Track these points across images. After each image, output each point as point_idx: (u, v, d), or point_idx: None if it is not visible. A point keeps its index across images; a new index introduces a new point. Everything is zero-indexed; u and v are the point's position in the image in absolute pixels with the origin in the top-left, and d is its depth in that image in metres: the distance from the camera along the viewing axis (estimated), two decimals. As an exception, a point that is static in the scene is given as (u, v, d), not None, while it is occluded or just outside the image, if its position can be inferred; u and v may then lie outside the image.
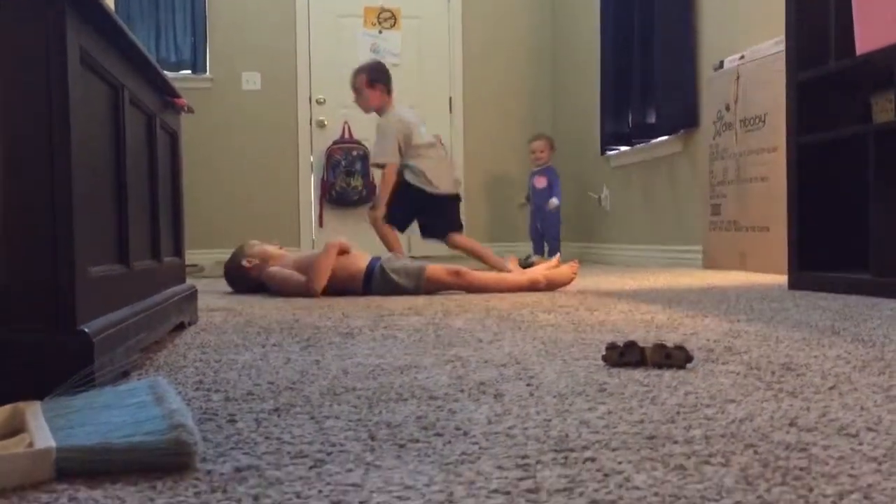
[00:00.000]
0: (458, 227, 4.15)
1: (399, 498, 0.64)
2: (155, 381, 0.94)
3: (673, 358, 1.21)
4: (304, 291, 2.82)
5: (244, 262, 3.03)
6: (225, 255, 3.30)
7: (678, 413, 0.91)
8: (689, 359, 1.21)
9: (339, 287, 2.86)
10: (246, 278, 3.04)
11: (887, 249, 2.36)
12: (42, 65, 1.01)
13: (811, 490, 0.64)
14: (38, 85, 1.01)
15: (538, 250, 5.35)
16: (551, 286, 2.88)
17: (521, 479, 0.68)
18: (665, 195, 4.78)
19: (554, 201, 5.25)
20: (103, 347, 1.06)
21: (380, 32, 6.09)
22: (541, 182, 5.36)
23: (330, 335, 1.70)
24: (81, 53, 1.10)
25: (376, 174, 4.60)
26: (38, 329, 1.01)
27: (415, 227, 4.18)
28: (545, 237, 5.33)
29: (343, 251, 2.91)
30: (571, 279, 2.95)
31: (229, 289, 3.18)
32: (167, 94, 1.77)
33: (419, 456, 0.76)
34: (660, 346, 1.22)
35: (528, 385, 1.10)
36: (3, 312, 1.00)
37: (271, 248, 3.09)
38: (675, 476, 0.68)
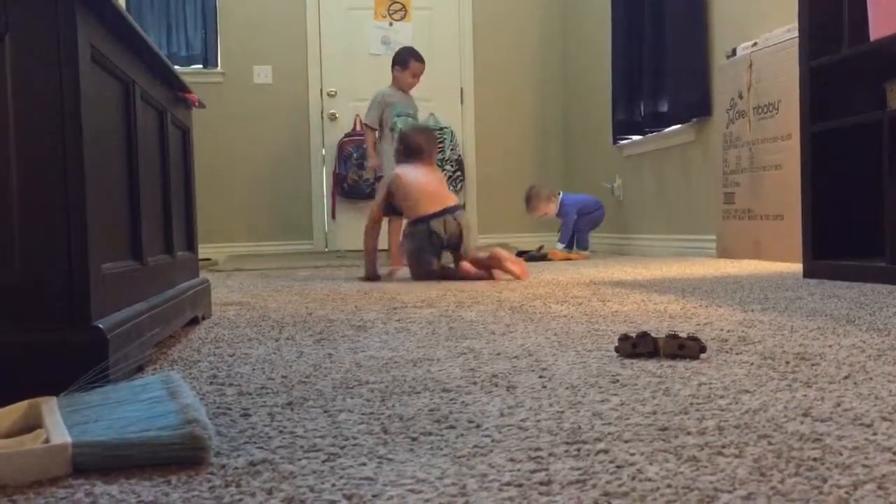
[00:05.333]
0: None
1: (412, 491, 0.64)
2: (169, 376, 0.95)
3: (686, 349, 1.21)
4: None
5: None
6: (238, 248, 3.31)
7: (691, 404, 0.91)
8: (703, 349, 1.21)
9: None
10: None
11: (903, 237, 2.34)
12: (54, 63, 1.02)
13: (825, 481, 0.64)
14: (50, 83, 1.02)
15: (579, 245, 4.85)
16: (497, 264, 3.10)
17: (533, 472, 0.68)
18: (678, 184, 4.75)
19: (558, 246, 4.65)
20: (117, 343, 1.07)
21: (390, 24, 6.08)
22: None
23: (343, 328, 1.70)
24: (92, 51, 1.11)
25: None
26: (53, 326, 1.02)
27: None
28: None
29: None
30: (515, 271, 3.07)
31: (240, 283, 3.18)
32: (178, 89, 1.77)
33: (432, 449, 0.76)
34: (673, 337, 1.22)
35: (540, 377, 1.10)
36: (18, 310, 1.01)
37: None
38: (688, 467, 0.68)
